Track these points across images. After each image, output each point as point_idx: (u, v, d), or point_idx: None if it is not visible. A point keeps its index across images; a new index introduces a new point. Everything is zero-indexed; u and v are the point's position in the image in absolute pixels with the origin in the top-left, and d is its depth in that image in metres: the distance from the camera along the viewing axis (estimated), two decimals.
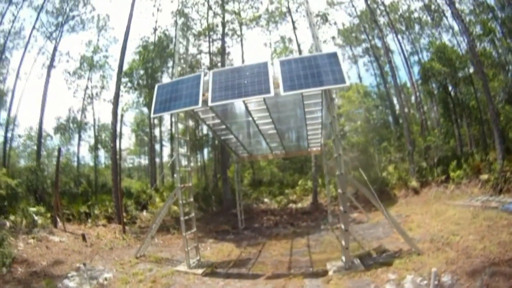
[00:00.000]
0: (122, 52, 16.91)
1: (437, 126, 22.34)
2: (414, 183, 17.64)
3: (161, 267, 9.08)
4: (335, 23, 22.44)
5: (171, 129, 25.25)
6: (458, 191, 15.73)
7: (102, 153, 25.02)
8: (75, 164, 24.15)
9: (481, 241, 7.57)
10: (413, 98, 23.00)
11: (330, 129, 12.91)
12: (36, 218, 12.37)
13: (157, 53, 16.53)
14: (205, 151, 28.44)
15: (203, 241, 12.62)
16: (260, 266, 8.98)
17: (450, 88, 19.99)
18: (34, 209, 12.95)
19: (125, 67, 17.81)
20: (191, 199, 9.81)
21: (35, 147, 22.12)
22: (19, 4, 20.30)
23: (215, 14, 18.86)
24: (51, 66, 21.04)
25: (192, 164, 31.49)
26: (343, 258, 7.58)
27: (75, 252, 10.44)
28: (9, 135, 22.68)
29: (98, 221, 14.77)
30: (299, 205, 19.67)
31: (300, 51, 20.79)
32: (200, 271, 8.46)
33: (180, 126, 10.42)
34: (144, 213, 17.20)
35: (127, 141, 34.36)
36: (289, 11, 20.67)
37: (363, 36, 25.64)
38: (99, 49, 23.46)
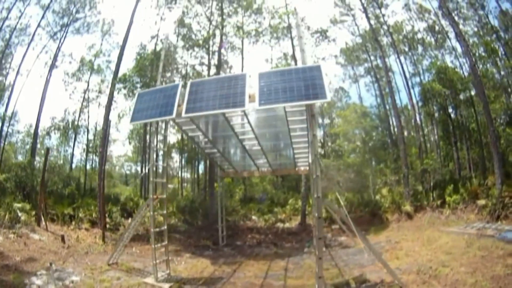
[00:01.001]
0: (119, 58, 17.12)
1: (437, 149, 21.82)
2: (407, 207, 17.10)
3: (129, 277, 8.90)
4: (334, 40, 22.20)
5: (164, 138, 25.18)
6: (453, 216, 15.21)
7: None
8: (70, 165, 24.24)
9: (473, 274, 7.02)
10: (413, 120, 22.61)
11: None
12: (20, 214, 12.63)
13: (153, 61, 16.54)
14: (202, 163, 28.20)
15: (180, 255, 12.30)
16: (229, 287, 8.56)
17: (450, 110, 19.59)
18: (19, 205, 13.24)
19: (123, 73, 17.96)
20: (164, 211, 9.62)
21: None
22: (27, 0, 20.65)
23: (216, 27, 18.87)
24: (53, 65, 21.48)
25: (188, 175, 31.38)
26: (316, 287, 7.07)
27: (51, 252, 10.54)
28: (9, 130, 23.15)
29: (82, 224, 14.71)
30: (287, 224, 19.13)
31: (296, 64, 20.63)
32: (167, 285, 8.21)
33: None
34: (129, 220, 17.02)
35: (126, 147, 34.35)
36: (289, 27, 20.64)
37: (365, 56, 25.50)
38: (101, 54, 23.75)
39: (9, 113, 22.10)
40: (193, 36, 18.93)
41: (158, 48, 18.91)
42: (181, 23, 19.11)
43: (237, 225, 18.73)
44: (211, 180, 17.62)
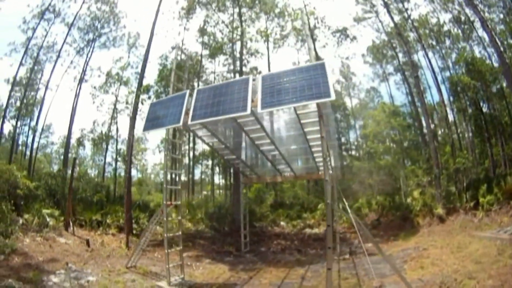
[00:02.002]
0: (142, 70, 17.67)
1: (470, 146, 20.29)
2: (439, 210, 16.01)
3: (144, 280, 9.14)
4: (355, 38, 21.48)
5: (193, 146, 25.69)
6: (487, 219, 13.90)
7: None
8: (103, 174, 25.52)
9: None
10: (445, 117, 21.21)
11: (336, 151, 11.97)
12: (48, 219, 13.30)
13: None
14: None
15: (200, 260, 12.36)
16: None
17: (481, 103, 18.14)
18: (48, 211, 13.95)
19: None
20: (180, 217, 9.81)
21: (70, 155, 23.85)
22: (51, 20, 22.33)
23: (235, 31, 19.02)
24: (82, 80, 22.74)
25: (222, 182, 31.78)
26: None
27: (74, 254, 11.07)
28: (43, 141, 24.87)
29: (109, 229, 15.32)
30: (315, 230, 18.65)
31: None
32: None
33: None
34: (157, 227, 17.55)
35: (161, 156, 35.34)
36: (309, 28, 20.29)
37: (393, 53, 24.38)
38: (129, 66, 24.61)
39: (42, 126, 23.82)
40: (215, 44, 19.17)
41: (179, 58, 19.49)
42: (202, 32, 19.49)
43: (264, 231, 18.57)
44: (237, 187, 17.71)
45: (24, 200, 13.63)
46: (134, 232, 15.55)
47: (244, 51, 19.28)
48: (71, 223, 13.88)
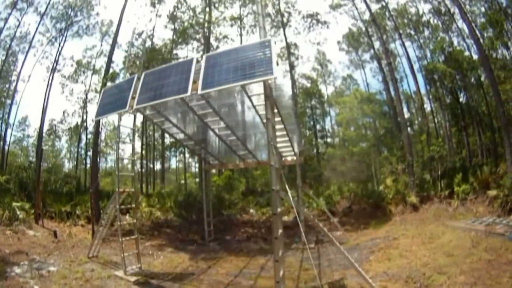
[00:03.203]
0: (109, 58, 17.35)
1: (446, 135, 20.37)
2: (412, 198, 16.09)
3: (104, 269, 9.10)
4: (326, 23, 21.21)
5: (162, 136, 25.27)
6: (462, 208, 14.03)
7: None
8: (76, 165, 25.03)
9: (473, 286, 5.86)
10: (420, 105, 21.20)
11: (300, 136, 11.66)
12: (18, 212, 13.12)
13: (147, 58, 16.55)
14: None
15: (162, 249, 12.20)
16: (195, 283, 8.33)
17: (459, 93, 18.10)
18: (18, 204, 13.73)
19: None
20: (133, 205, 9.69)
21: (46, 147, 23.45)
22: (24, 9, 21.59)
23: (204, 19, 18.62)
24: (54, 69, 22.08)
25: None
26: None
27: (41, 246, 11.06)
28: (20, 135, 24.29)
29: (79, 220, 15.12)
30: (285, 218, 18.46)
31: (289, 56, 20.00)
32: (133, 278, 8.33)
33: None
34: (127, 216, 17.34)
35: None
36: (281, 14, 19.97)
37: (369, 41, 24.15)
38: (102, 54, 23.66)
39: (17, 119, 23.17)
40: (181, 28, 18.75)
41: (147, 45, 19.09)
42: (172, 18, 19.05)
43: (232, 219, 18.32)
44: (201, 174, 17.38)
45: None
46: None
47: (214, 37, 18.90)
48: (41, 215, 13.75)
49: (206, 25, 18.45)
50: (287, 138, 11.03)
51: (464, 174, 15.34)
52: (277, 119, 9.26)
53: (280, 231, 6.24)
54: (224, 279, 8.67)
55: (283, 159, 13.57)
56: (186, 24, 18.65)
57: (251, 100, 8.00)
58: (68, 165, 26.21)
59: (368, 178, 19.02)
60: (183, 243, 13.56)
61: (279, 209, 6.46)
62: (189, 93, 6.75)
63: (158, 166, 29.75)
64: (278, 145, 11.83)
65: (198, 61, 7.20)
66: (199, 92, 6.62)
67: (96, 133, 17.24)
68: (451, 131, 20.25)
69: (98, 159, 9.32)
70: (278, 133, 10.62)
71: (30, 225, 12.87)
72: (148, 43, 19.57)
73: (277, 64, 6.30)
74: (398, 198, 16.71)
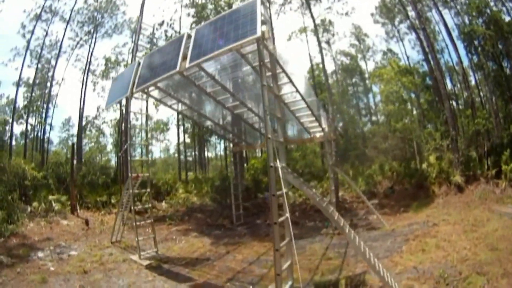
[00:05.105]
0: (134, 51, 17.61)
1: (492, 107, 17.84)
2: (457, 177, 14.39)
3: (122, 254, 9.33)
4: None
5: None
6: (511, 190, 12.33)
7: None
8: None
9: None
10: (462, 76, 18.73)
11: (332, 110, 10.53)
12: (54, 204, 14.20)
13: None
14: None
15: (187, 234, 12.20)
16: (206, 269, 8.10)
17: (502, 59, 15.63)
18: (54, 197, 14.78)
19: None
20: (148, 189, 9.73)
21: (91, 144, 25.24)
22: (49, 20, 23.09)
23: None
24: (87, 70, 23.26)
25: None
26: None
27: (70, 233, 11.67)
28: (64, 135, 26.18)
29: (114, 209, 15.63)
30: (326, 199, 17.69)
31: (316, 28, 18.79)
32: (146, 262, 8.43)
33: None
34: (163, 203, 17.93)
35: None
36: None
37: (402, 9, 21.85)
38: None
39: (62, 119, 24.76)
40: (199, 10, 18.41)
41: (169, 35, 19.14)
42: (194, 4, 18.82)
43: (267, 202, 17.97)
44: (235, 158, 17.06)
45: (33, 190, 14.59)
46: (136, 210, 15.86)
47: None
48: (77, 206, 14.60)
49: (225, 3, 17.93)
50: (309, 112, 10.20)
51: None
52: (292, 89, 8.61)
53: (287, 215, 5.50)
54: (238, 266, 8.29)
55: (312, 135, 12.70)
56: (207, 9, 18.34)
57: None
58: (115, 159, 27.52)
59: (412, 155, 17.38)
60: (210, 227, 13.47)
61: (284, 190, 5.49)
62: (178, 68, 6.46)
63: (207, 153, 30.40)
64: (303, 120, 11.15)
65: (189, 36, 6.81)
66: (187, 65, 6.31)
67: (126, 125, 17.75)
68: (497, 104, 17.73)
69: (129, 149, 9.68)
70: (297, 107, 9.95)
71: (65, 215, 13.79)
72: (171, 32, 19.70)
73: (265, 23, 5.65)
74: (442, 177, 15.10)
